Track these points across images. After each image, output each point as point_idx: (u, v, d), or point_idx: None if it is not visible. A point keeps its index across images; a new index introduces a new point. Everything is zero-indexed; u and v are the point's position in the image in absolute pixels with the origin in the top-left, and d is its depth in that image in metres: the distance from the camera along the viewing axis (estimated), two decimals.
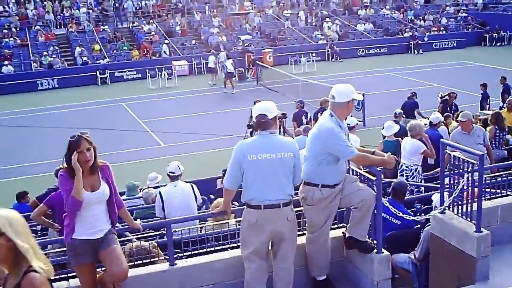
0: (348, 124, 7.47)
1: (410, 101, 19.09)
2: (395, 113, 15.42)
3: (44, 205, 7.60)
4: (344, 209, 6.26)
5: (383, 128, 12.47)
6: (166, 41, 36.77)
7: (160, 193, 8.54)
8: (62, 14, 39.54)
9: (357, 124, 12.60)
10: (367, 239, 6.07)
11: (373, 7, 45.28)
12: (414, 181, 10.44)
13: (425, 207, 8.26)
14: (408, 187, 10.20)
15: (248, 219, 5.60)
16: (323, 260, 6.08)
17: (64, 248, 5.65)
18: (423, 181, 10.69)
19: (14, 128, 24.55)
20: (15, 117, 26.48)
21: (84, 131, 5.40)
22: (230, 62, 29.52)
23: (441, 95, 19.08)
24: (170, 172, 8.76)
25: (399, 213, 7.19)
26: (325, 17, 42.34)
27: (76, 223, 5.36)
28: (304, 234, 6.24)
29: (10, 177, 18.12)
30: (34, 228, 10.52)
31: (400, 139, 11.93)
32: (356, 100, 5.99)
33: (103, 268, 5.51)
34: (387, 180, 8.54)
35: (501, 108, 18.36)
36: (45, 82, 33.09)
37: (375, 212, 5.99)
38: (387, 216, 7.33)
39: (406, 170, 10.63)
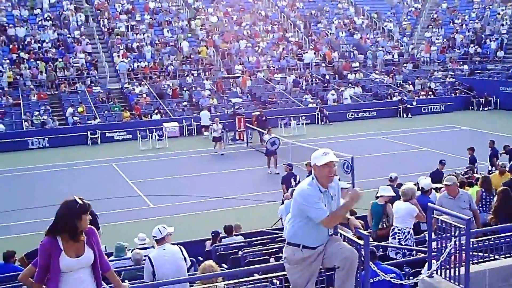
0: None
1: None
2: (391, 177, 15.38)
3: (32, 266, 7.51)
4: (333, 273, 6.24)
5: (377, 191, 12.48)
6: (161, 110, 36.72)
7: (149, 257, 8.34)
8: (55, 74, 39.83)
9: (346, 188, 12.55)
10: None
11: (362, 71, 45.94)
12: (407, 244, 10.45)
13: (414, 270, 8.26)
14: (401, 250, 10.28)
15: None
16: None
17: None
18: (415, 244, 10.71)
19: (3, 186, 24.46)
20: (4, 175, 26.41)
21: (80, 197, 5.43)
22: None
23: None
24: (152, 236, 8.60)
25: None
26: (315, 82, 43.01)
27: (60, 287, 5.37)
28: None
29: None
30: None
31: (389, 204, 11.94)
32: (330, 162, 5.86)
33: None
34: (375, 243, 8.53)
35: (489, 171, 18.51)
36: (36, 141, 33.17)
37: (359, 275, 5.96)
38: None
39: (399, 233, 10.62)
